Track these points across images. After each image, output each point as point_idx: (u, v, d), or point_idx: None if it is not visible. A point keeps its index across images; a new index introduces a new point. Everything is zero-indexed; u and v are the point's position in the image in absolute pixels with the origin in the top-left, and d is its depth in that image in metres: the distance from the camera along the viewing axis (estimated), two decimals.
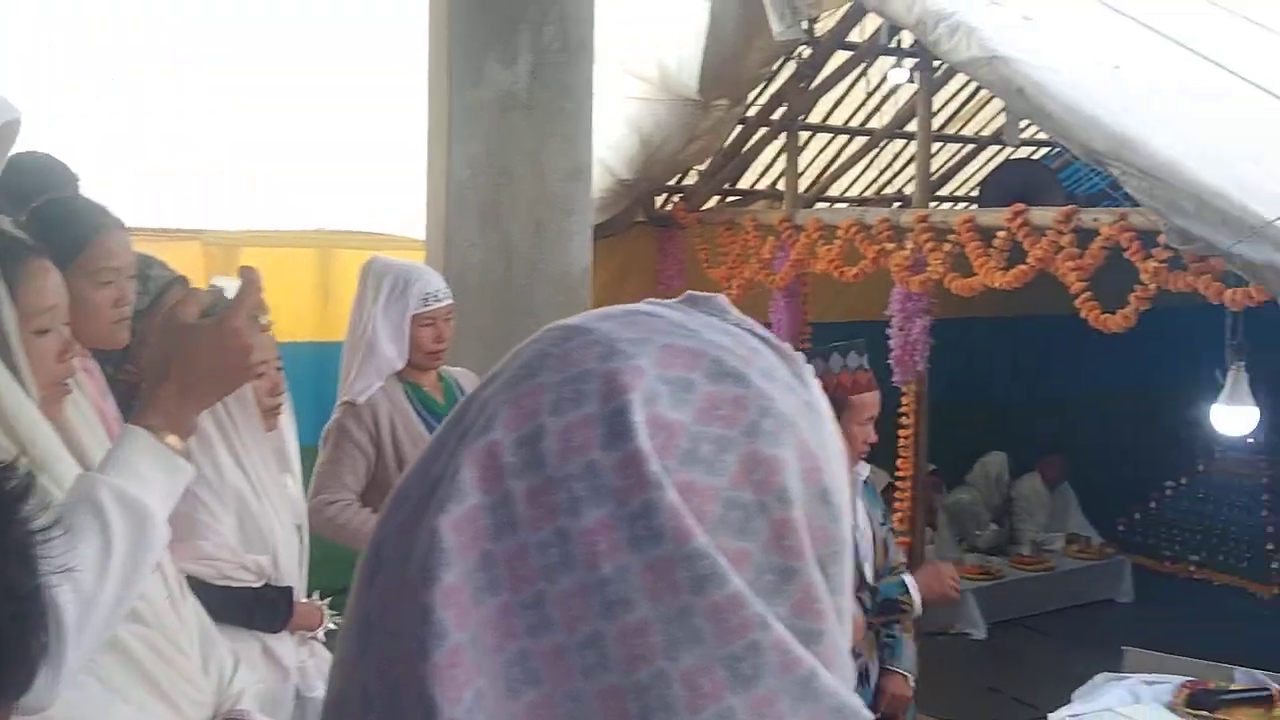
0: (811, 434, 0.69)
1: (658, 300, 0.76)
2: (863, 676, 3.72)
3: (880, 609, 3.71)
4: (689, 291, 0.77)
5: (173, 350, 1.73)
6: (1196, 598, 8.18)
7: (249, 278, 1.77)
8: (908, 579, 3.77)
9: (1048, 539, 8.69)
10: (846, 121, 7.54)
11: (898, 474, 6.37)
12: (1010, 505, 8.88)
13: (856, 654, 3.71)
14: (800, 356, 0.74)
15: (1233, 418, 4.48)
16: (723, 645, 0.62)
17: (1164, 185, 4.04)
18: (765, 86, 6.85)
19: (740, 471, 0.65)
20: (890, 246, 5.99)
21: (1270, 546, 8.16)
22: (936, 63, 5.93)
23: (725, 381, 0.68)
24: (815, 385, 0.73)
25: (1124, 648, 4.58)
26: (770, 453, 0.66)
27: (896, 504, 6.31)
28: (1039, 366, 8.73)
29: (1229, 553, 8.46)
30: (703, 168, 7.31)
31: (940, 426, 6.87)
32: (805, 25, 5.68)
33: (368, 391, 3.90)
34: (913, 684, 3.88)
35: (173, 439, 1.75)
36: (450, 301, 3.97)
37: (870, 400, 3.72)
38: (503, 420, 0.67)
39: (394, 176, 5.71)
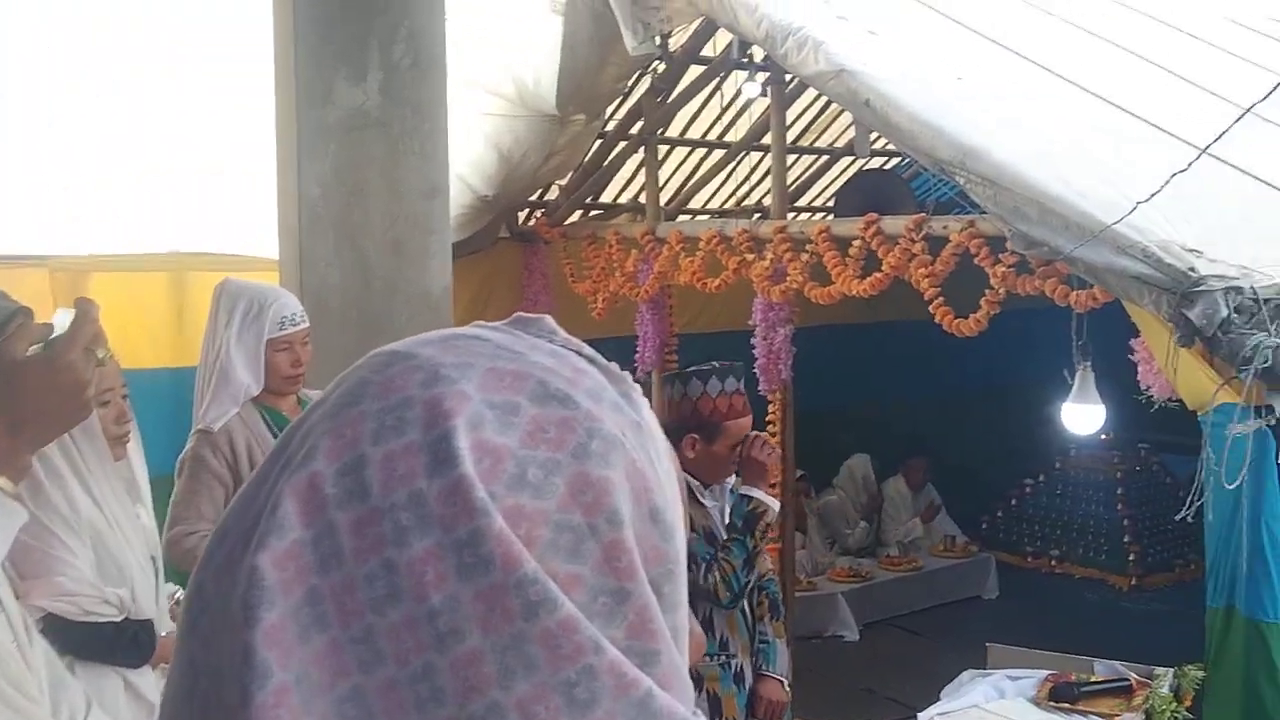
0: (640, 453, 0.69)
1: (484, 323, 0.75)
2: (738, 679, 3.74)
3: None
4: (517, 313, 0.76)
5: (0, 388, 1.66)
6: (1059, 591, 8.43)
7: (83, 309, 1.71)
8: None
9: (910, 534, 8.86)
10: (704, 135, 7.62)
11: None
12: (878, 506, 9.06)
13: (734, 655, 3.74)
14: (627, 375, 0.74)
15: (1081, 416, 4.63)
16: (557, 671, 0.61)
17: (1007, 192, 4.16)
18: (622, 101, 6.89)
19: (569, 494, 0.65)
20: (751, 257, 6.06)
21: (1127, 539, 8.44)
22: (788, 76, 6.02)
23: (551, 404, 0.67)
24: (644, 404, 0.73)
25: (988, 644, 4.70)
26: (599, 474, 0.66)
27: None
28: (900, 371, 8.92)
29: (1088, 546, 8.73)
30: (564, 182, 7.32)
31: (807, 433, 6.97)
32: (658, 40, 5.73)
33: (223, 419, 3.80)
34: (788, 688, 3.92)
35: (2, 481, 1.67)
36: (306, 325, 3.90)
37: (745, 425, 3.77)
38: (324, 451, 0.66)
39: (249, 195, 5.61)
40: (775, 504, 3.77)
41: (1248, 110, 3.83)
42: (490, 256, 7.07)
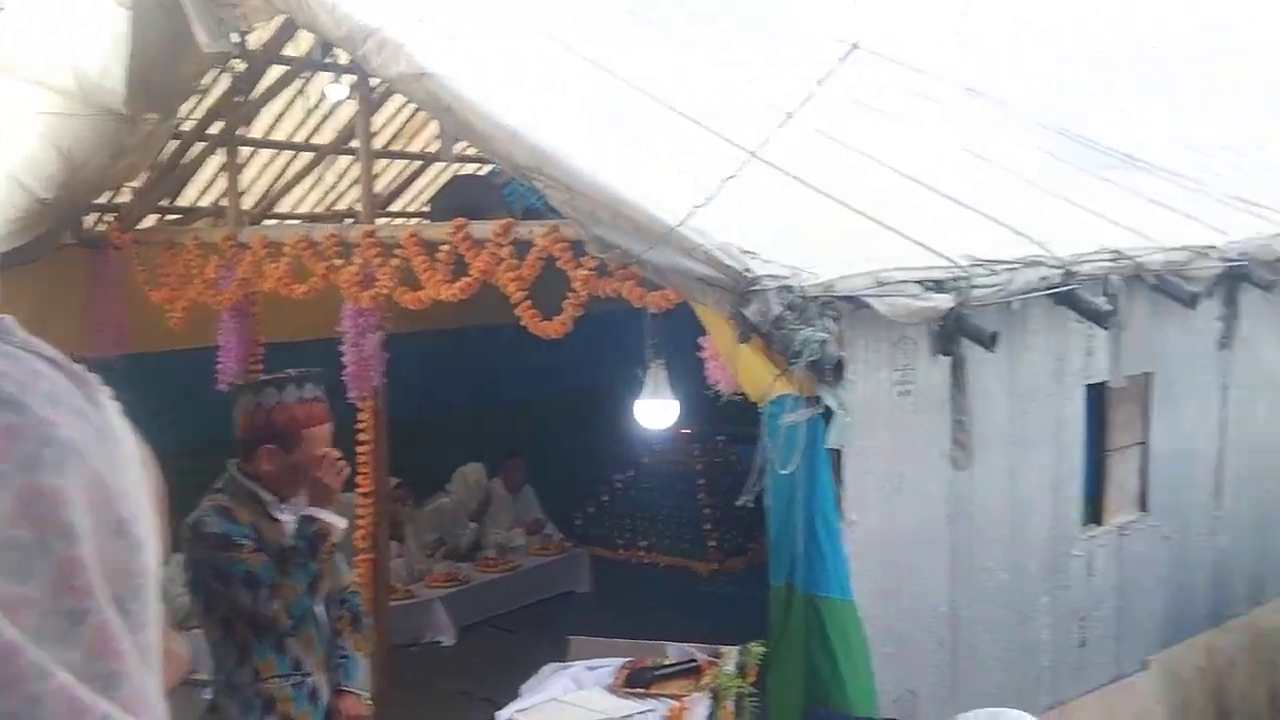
0: (104, 462, 0.66)
1: None
2: (312, 697, 3.67)
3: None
4: None
5: None
6: (648, 581, 8.81)
7: None
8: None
9: (510, 539, 9.03)
10: (290, 137, 7.42)
11: (359, 490, 6.34)
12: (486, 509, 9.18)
13: (308, 674, 3.66)
14: (95, 379, 0.70)
15: (655, 411, 4.87)
16: None
17: (583, 197, 4.31)
18: (200, 99, 6.58)
19: (16, 508, 0.61)
20: (339, 262, 5.96)
21: (708, 526, 8.94)
22: (375, 79, 5.97)
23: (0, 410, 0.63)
24: (112, 409, 0.70)
25: (569, 637, 4.84)
26: (51, 485, 0.62)
27: (359, 520, 6.28)
28: (497, 375, 9.04)
29: (674, 536, 9.16)
30: (137, 184, 6.90)
31: (406, 440, 6.92)
32: (236, 38, 5.52)
33: None
34: (368, 700, 3.88)
35: None
36: None
37: (324, 432, 3.73)
38: None
39: None
40: (341, 523, 3.74)
41: (789, 117, 4.15)
42: (52, 265, 6.55)
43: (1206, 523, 7.13)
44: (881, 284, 4.25)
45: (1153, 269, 5.90)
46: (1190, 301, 6.08)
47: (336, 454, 3.74)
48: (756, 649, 4.37)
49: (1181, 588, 6.93)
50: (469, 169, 8.26)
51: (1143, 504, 6.54)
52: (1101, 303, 5.43)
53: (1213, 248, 6.44)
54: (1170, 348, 6.53)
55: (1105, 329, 5.65)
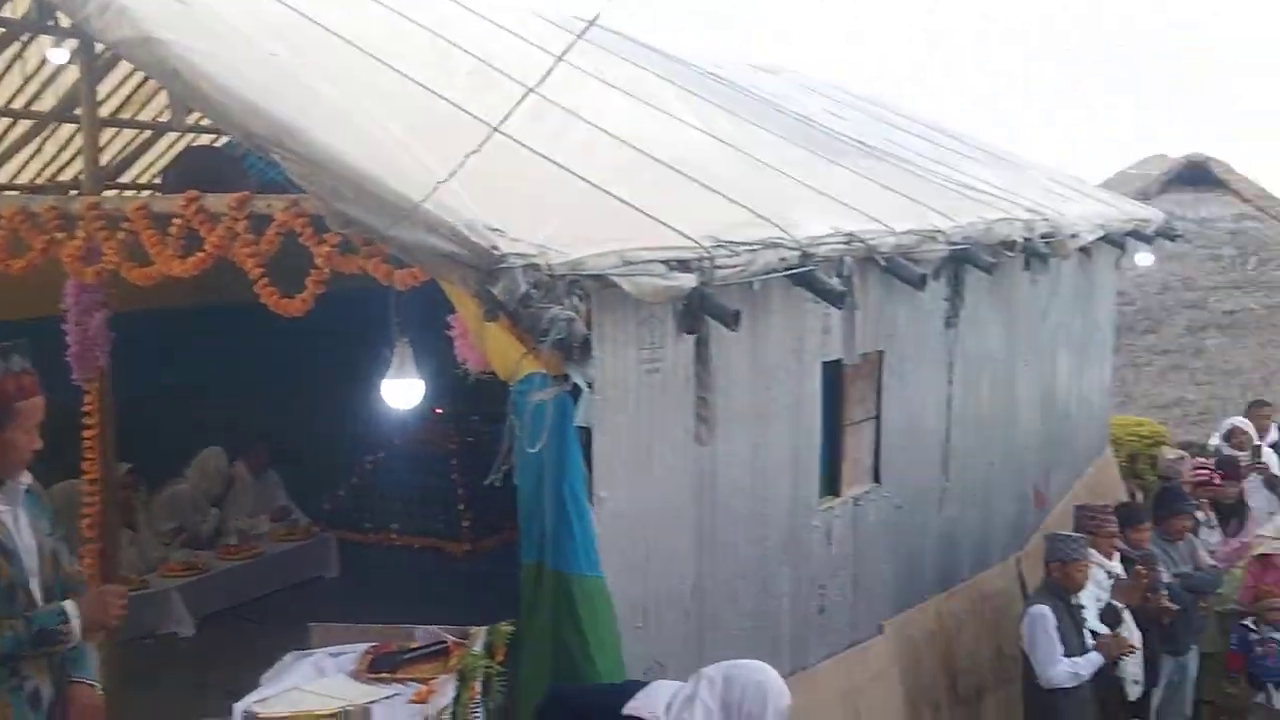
0: None
1: None
2: (34, 701, 3.45)
3: (37, 641, 3.45)
4: None
5: None
6: (399, 564, 8.66)
7: None
8: (69, 605, 3.54)
9: (253, 525, 8.74)
10: (8, 104, 6.95)
11: (85, 476, 5.99)
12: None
13: (27, 676, 3.44)
14: None
15: (401, 391, 4.78)
16: None
17: (325, 171, 4.17)
18: None
19: None
20: (61, 236, 5.59)
21: (461, 506, 8.85)
22: (100, 44, 5.63)
23: None
24: None
25: (311, 624, 4.71)
26: None
27: (86, 508, 5.95)
28: (235, 355, 8.68)
29: (426, 517, 9.04)
30: None
31: (139, 424, 6.59)
32: None
33: None
34: (100, 692, 3.68)
35: None
36: None
37: (37, 405, 3.53)
38: None
39: None
40: (78, 638, 3.56)
41: (530, 90, 4.13)
42: None
43: (935, 493, 7.54)
44: (628, 263, 4.28)
45: (884, 252, 6.17)
46: (919, 283, 6.39)
47: None
48: (505, 628, 4.36)
49: (912, 555, 7.30)
50: (205, 140, 7.90)
51: (876, 476, 6.85)
52: (836, 284, 5.64)
53: (939, 232, 6.78)
54: (901, 327, 6.85)
55: (840, 309, 5.88)
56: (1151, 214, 12.48)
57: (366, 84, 5.11)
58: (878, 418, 6.82)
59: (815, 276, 5.46)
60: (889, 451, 6.91)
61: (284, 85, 4.60)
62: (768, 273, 5.16)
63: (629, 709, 3.90)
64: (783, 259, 5.23)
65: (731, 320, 4.72)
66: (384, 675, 4.20)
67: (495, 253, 3.88)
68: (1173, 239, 13.75)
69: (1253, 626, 8.67)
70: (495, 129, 4.07)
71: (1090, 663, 6.53)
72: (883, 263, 6.21)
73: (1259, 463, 10.01)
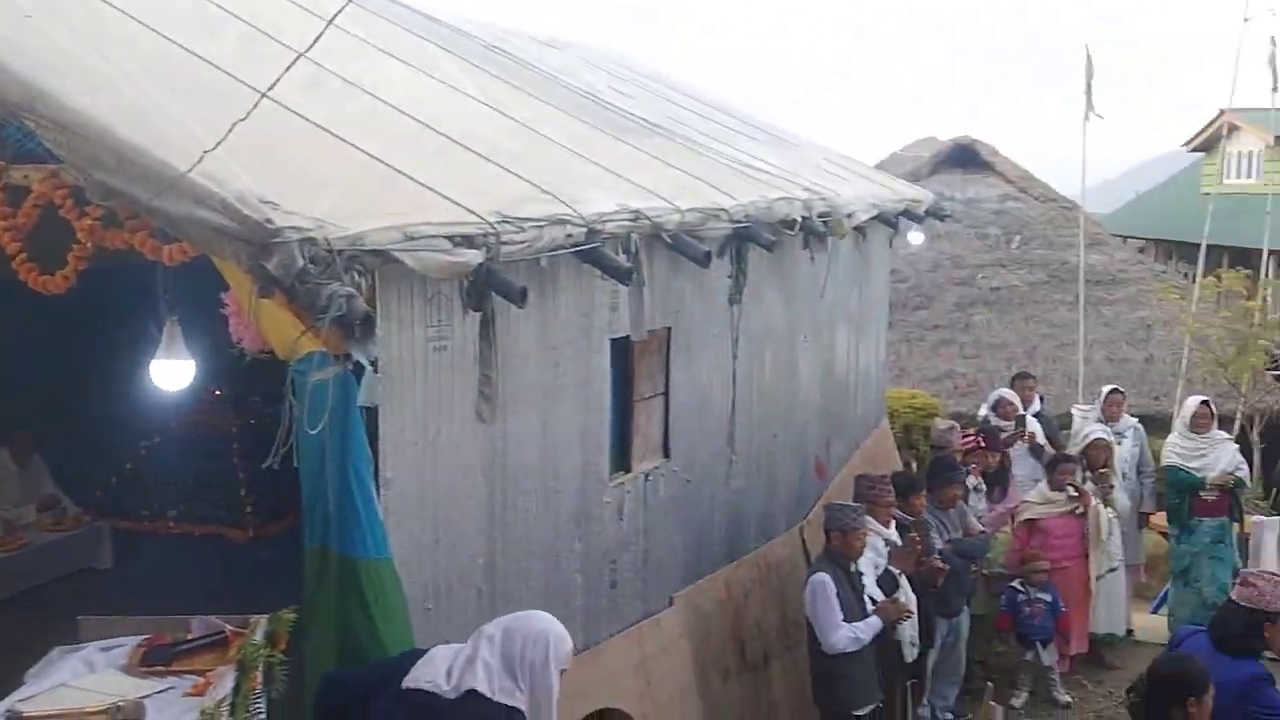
0: None
1: None
2: None
3: None
4: None
5: None
6: (178, 552, 8.31)
7: None
8: None
9: (19, 515, 8.27)
10: None
11: None
12: None
13: None
14: None
15: (171, 372, 4.58)
16: None
17: (83, 139, 3.94)
18: None
19: None
20: None
21: (243, 491, 8.55)
22: None
23: None
24: None
25: (79, 617, 4.49)
26: None
27: None
28: None
29: (207, 503, 8.69)
30: None
31: None
32: None
33: None
34: None
35: None
36: None
37: None
38: None
39: None
40: None
41: (300, 55, 3.98)
42: None
43: (722, 467, 7.69)
44: (410, 238, 4.19)
45: (669, 229, 6.23)
46: (704, 260, 6.48)
47: None
48: (287, 616, 4.23)
49: (701, 528, 7.43)
50: None
51: (666, 451, 6.93)
52: (623, 260, 5.67)
53: (723, 210, 6.89)
54: (687, 303, 6.95)
55: (627, 285, 5.91)
56: (922, 194, 12.99)
57: (129, 48, 4.85)
58: (666, 393, 6.91)
59: (602, 253, 5.47)
60: (677, 426, 7.01)
61: (37, 47, 4.32)
62: (555, 249, 5.14)
63: (408, 681, 3.84)
64: (569, 235, 5.22)
65: (519, 297, 4.69)
66: (158, 668, 4.02)
67: (269, 226, 3.73)
68: (942, 219, 14.38)
69: (1020, 588, 9.18)
70: (264, 94, 3.92)
71: (870, 627, 6.78)
72: (669, 240, 6.27)
73: (1023, 430, 10.55)
